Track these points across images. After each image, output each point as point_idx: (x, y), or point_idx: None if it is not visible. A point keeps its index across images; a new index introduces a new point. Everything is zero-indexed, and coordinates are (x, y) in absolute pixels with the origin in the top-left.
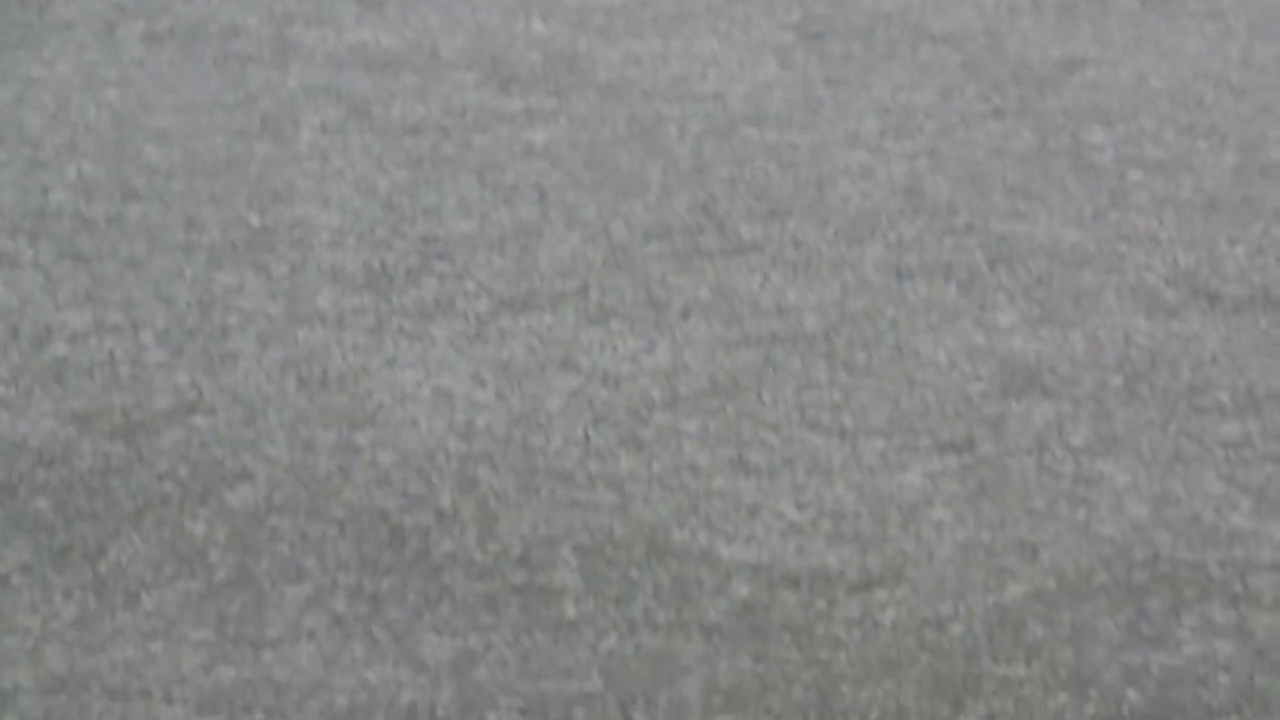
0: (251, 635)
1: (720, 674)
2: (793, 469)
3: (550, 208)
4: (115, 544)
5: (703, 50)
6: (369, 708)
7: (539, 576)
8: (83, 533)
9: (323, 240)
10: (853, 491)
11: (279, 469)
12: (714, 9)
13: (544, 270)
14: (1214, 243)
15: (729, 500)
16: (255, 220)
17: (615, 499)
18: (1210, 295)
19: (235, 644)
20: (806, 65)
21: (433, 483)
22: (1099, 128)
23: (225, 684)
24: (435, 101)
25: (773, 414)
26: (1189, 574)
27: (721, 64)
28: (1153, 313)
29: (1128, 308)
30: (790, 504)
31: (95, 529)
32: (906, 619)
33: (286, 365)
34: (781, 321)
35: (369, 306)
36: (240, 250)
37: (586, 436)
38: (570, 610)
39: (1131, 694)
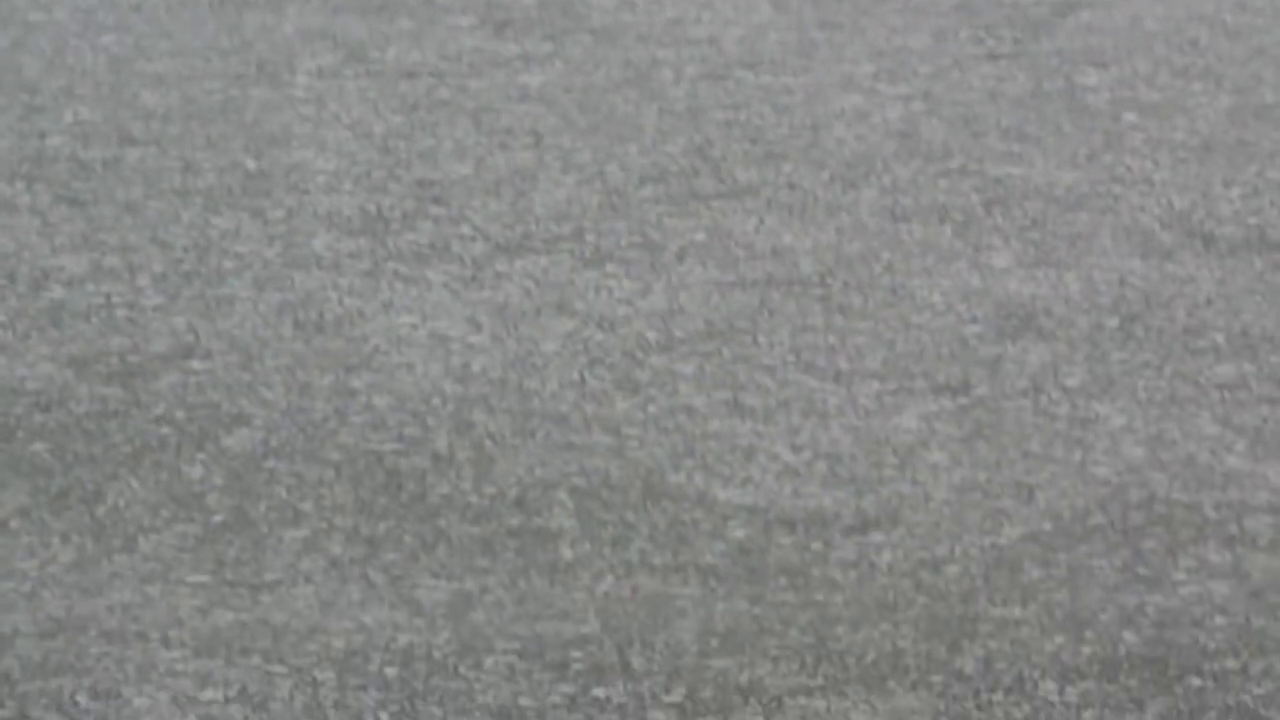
0: (249, 578)
1: (716, 616)
2: (788, 412)
3: (545, 151)
4: (112, 488)
5: None
6: (366, 650)
7: (535, 519)
8: (80, 476)
9: (318, 184)
10: (848, 434)
11: (275, 412)
12: None
13: (539, 214)
14: (1209, 185)
15: (725, 443)
16: (251, 165)
17: (611, 442)
18: (1205, 237)
19: (232, 587)
20: (801, 9)
21: (429, 426)
22: (1094, 70)
23: (223, 627)
24: (431, 46)
25: (768, 357)
26: (1185, 515)
27: (716, 8)
28: (1148, 254)
29: (1123, 250)
30: (786, 446)
31: (92, 473)
32: (902, 561)
33: (283, 309)
34: (777, 264)
35: (365, 250)
36: (236, 194)
37: (582, 379)
38: (566, 553)
39: (1128, 635)
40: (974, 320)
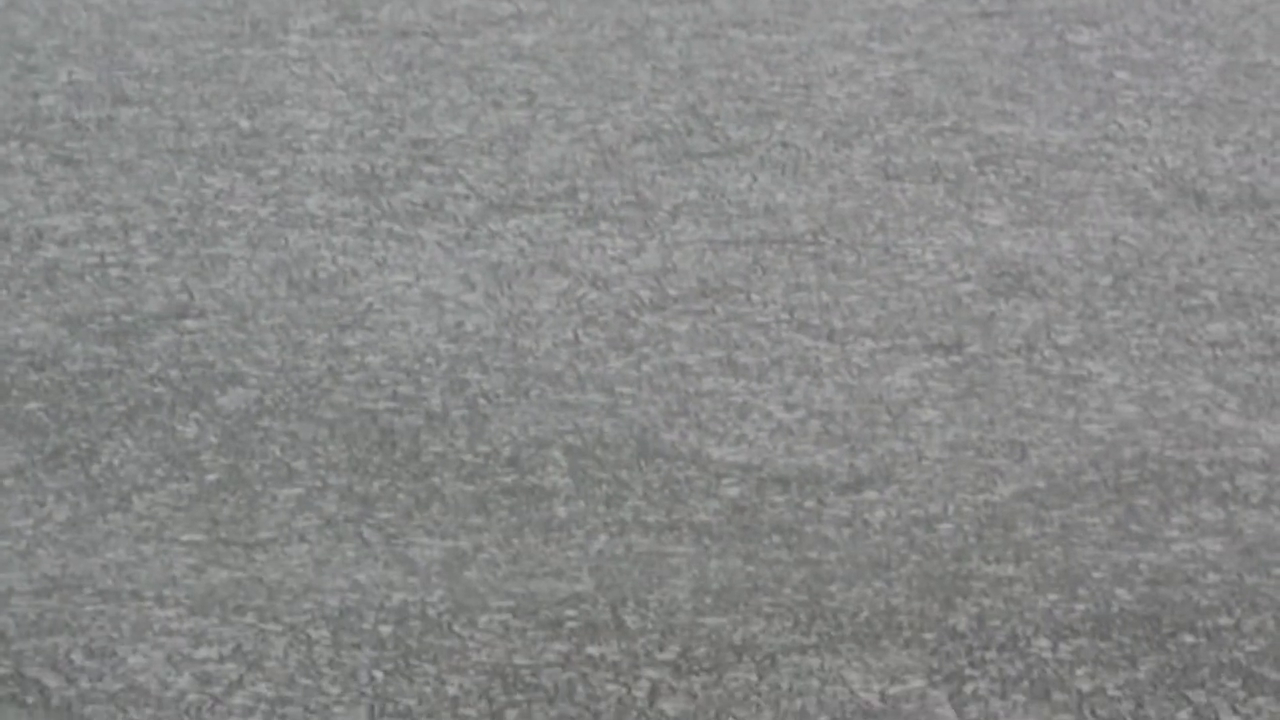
0: (243, 537)
1: (710, 574)
2: (782, 370)
3: (539, 110)
4: (107, 446)
5: None
6: (360, 608)
7: (529, 478)
8: (75, 435)
9: (312, 144)
10: (842, 392)
11: (270, 371)
12: None
13: (533, 172)
14: (1201, 143)
15: (718, 401)
16: (245, 124)
17: (605, 400)
18: (1197, 195)
19: (227, 545)
20: None
21: (423, 384)
22: (1086, 29)
23: (217, 585)
24: (424, 5)
25: (762, 315)
26: (1177, 473)
27: None
28: (1140, 212)
29: (1115, 208)
30: (779, 405)
31: (87, 432)
32: (896, 519)
33: (277, 268)
34: (770, 223)
35: (358, 209)
36: (230, 154)
37: (576, 338)
38: (560, 511)
39: (1121, 592)
40: (967, 278)
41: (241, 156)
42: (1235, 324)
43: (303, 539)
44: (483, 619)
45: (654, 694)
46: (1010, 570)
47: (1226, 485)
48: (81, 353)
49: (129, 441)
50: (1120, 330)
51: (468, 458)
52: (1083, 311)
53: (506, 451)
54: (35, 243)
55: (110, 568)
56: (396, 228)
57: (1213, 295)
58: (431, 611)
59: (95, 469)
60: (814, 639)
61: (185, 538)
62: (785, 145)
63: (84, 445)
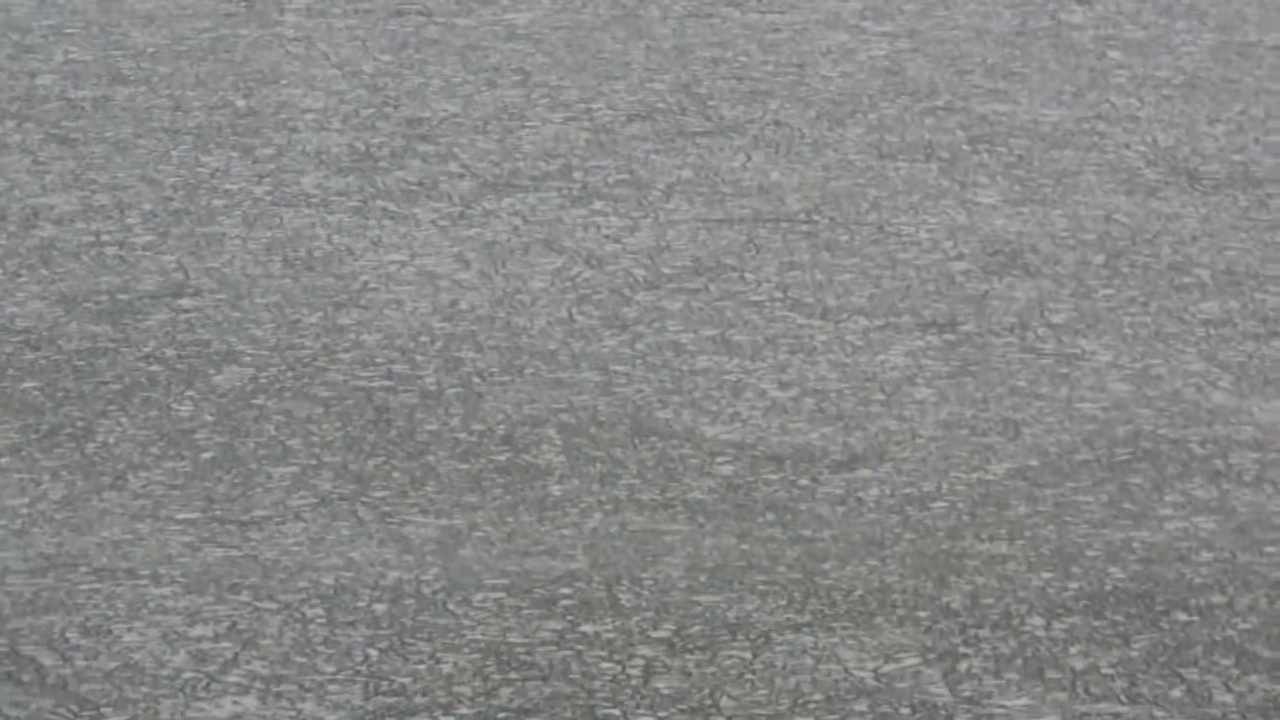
0: (238, 515)
1: (704, 552)
2: (776, 348)
3: (533, 89)
4: (102, 425)
5: None
6: (355, 586)
7: (523, 456)
8: (70, 414)
9: (307, 122)
10: (836, 370)
11: (265, 350)
12: None
13: (527, 151)
14: (1193, 122)
15: (713, 379)
16: (240, 103)
17: (599, 378)
18: (1190, 174)
19: (222, 524)
20: None
21: (417, 363)
22: (1078, 7)
23: (212, 563)
24: None
25: (755, 294)
26: (1170, 451)
27: None
28: (1133, 191)
29: (1108, 186)
30: (773, 383)
31: (82, 410)
32: (890, 497)
33: (272, 247)
34: (764, 201)
35: (353, 188)
36: (226, 133)
37: (570, 316)
38: (555, 489)
39: (1114, 570)
40: (960, 257)
41: (237, 135)
42: (1228, 302)
43: (298, 517)
44: (477, 597)
45: (648, 672)
46: (1004, 548)
47: (1219, 463)
48: (77, 331)
49: (124, 420)
50: (1113, 309)
51: (462, 436)
52: (1076, 290)
53: (501, 430)
54: (31, 221)
55: (106, 546)
56: (391, 206)
57: (1205, 274)
58: (426, 589)
59: (91, 447)
60: (808, 617)
61: (180, 516)
62: (779, 124)
63: (79, 424)
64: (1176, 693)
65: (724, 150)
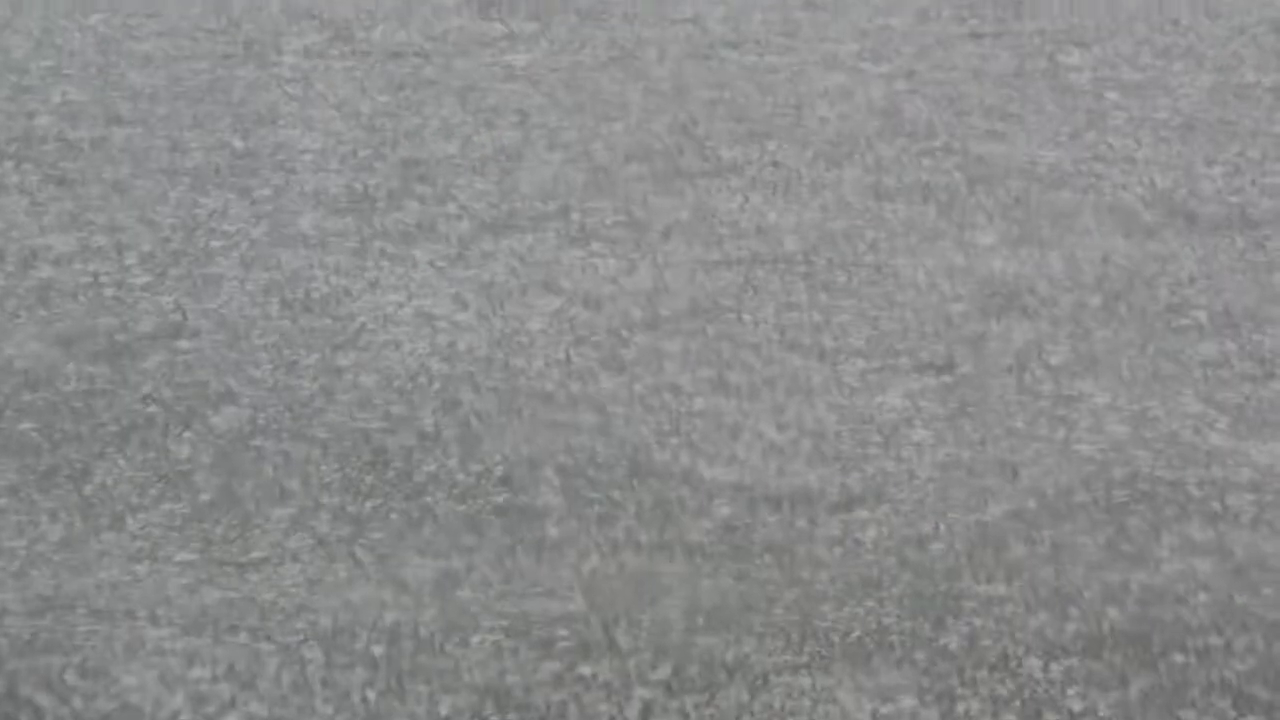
0: (236, 556)
1: (702, 593)
2: (773, 389)
3: (531, 130)
4: (101, 466)
5: None
6: (353, 628)
7: (521, 497)
8: (68, 455)
9: (305, 163)
10: (833, 412)
11: (263, 391)
12: None
13: (525, 192)
14: (1191, 163)
15: (710, 421)
16: (239, 144)
17: (597, 419)
18: (1187, 215)
19: (220, 565)
20: None
21: (415, 404)
22: (1076, 49)
23: (210, 605)
24: (417, 25)
25: (753, 335)
26: (1168, 493)
27: None
28: (1130, 233)
29: (1106, 228)
30: (771, 424)
31: (80, 451)
32: (887, 538)
33: (270, 288)
34: (761, 242)
35: (351, 229)
36: (224, 174)
37: (568, 357)
38: (552, 531)
39: (1111, 612)
40: (958, 298)
41: (235, 176)
42: (1225, 344)
43: (295, 559)
44: (475, 638)
45: (646, 713)
46: (1001, 590)
47: (1217, 505)
48: (75, 372)
49: (122, 461)
50: (1111, 350)
51: (460, 477)
52: (1073, 331)
53: (499, 471)
54: (30, 262)
55: (104, 587)
56: (389, 247)
57: (1203, 315)
58: (424, 631)
59: (89, 488)
60: (806, 658)
61: (178, 557)
62: (776, 165)
63: (78, 465)
64: None
65: (722, 191)
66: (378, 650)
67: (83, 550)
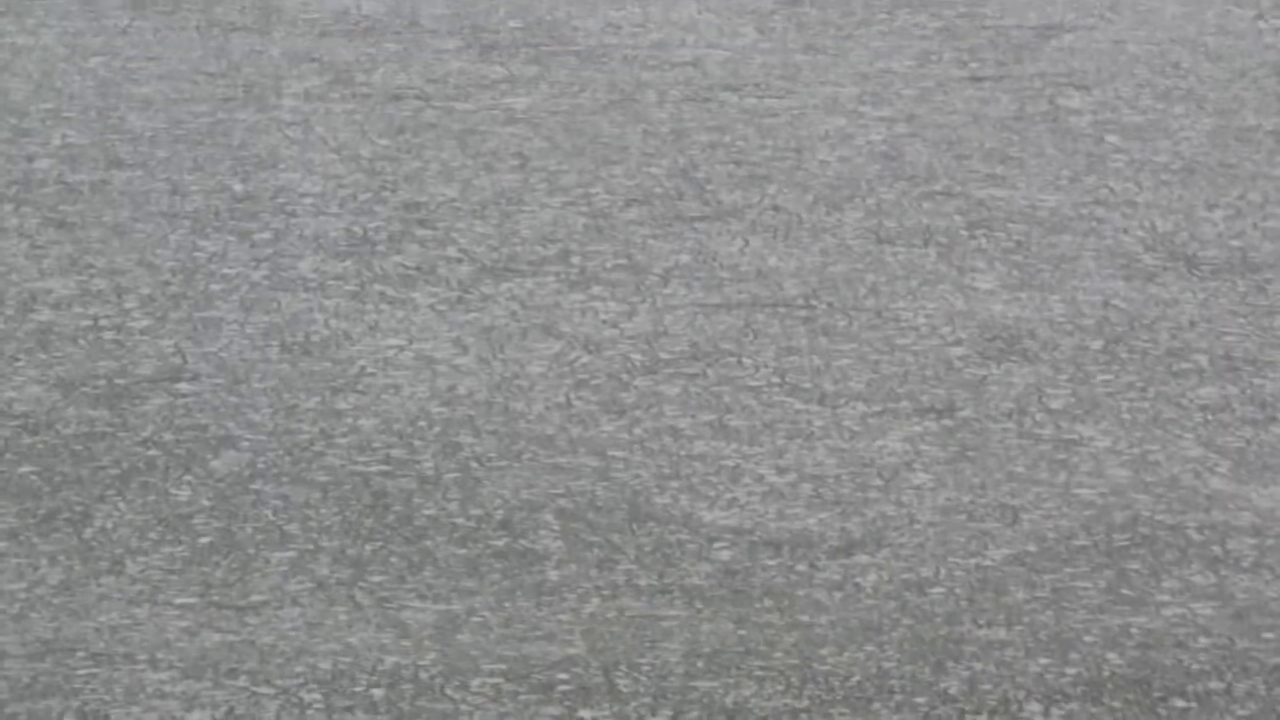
0: (236, 600)
1: (702, 638)
2: (773, 433)
3: (531, 174)
4: (100, 510)
5: (682, 17)
6: (353, 672)
7: (521, 541)
8: (68, 498)
9: (305, 207)
10: (833, 456)
11: (262, 434)
12: None
13: (525, 236)
14: (1191, 207)
15: (710, 465)
16: (238, 187)
17: (597, 463)
18: (1188, 259)
19: (220, 609)
20: (785, 31)
21: (415, 448)
22: (1076, 93)
23: (210, 648)
24: (417, 69)
25: (753, 379)
26: (1168, 537)
27: (701, 30)
28: (1131, 277)
29: (1106, 272)
30: (771, 468)
31: (80, 495)
32: (887, 583)
33: (270, 331)
34: (761, 286)
35: (351, 272)
36: (223, 217)
37: (568, 401)
38: (552, 574)
39: (1112, 657)
40: (958, 342)
41: (235, 220)
42: (1226, 388)
43: (295, 602)
44: (475, 682)
45: None
46: (1002, 634)
47: (1217, 549)
48: (75, 416)
49: (122, 505)
50: (1111, 394)
51: (460, 521)
52: (1074, 375)
53: (499, 515)
54: (29, 306)
55: (103, 631)
56: (389, 291)
57: (1204, 359)
58: (424, 675)
59: (88, 532)
60: (805, 702)
61: (178, 601)
62: (776, 209)
63: (77, 508)
64: None
65: (722, 235)
66: (377, 694)
67: (82, 594)
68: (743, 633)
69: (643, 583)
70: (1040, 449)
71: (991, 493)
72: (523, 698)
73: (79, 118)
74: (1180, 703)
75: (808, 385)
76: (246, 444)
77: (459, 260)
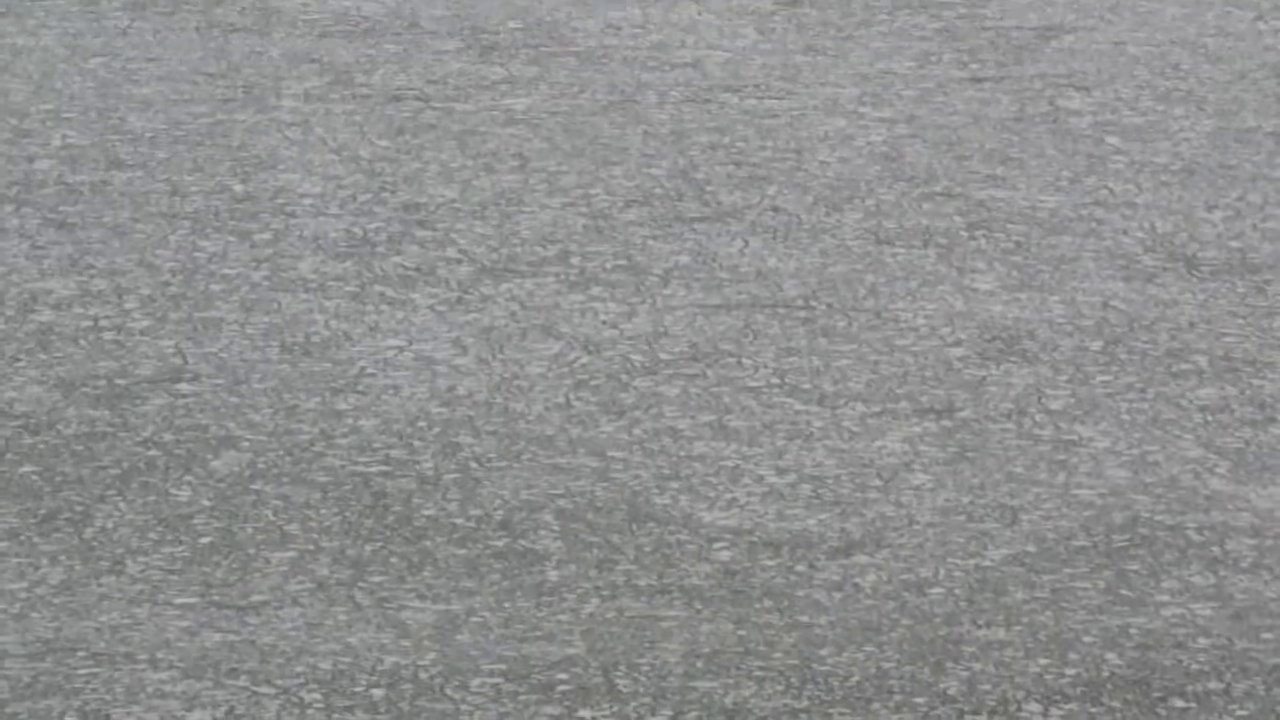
0: (236, 600)
1: (702, 638)
2: (773, 434)
3: (531, 175)
4: (101, 510)
5: (681, 18)
6: (352, 671)
7: (521, 541)
8: (68, 498)
9: (305, 208)
10: (833, 456)
11: (263, 435)
12: None
13: (525, 237)
14: (1191, 208)
15: (710, 465)
16: (238, 188)
17: (596, 464)
18: (1188, 260)
19: (220, 609)
20: (785, 33)
21: (415, 448)
22: (1076, 94)
23: (210, 648)
24: (416, 70)
25: (753, 379)
26: (1168, 537)
27: (700, 31)
28: (1131, 278)
29: (1106, 273)
30: (771, 469)
31: (81, 495)
32: (886, 583)
33: (270, 332)
34: (761, 287)
35: (351, 273)
36: (223, 218)
37: (568, 402)
38: (552, 574)
39: (1111, 657)
40: (958, 343)
41: (235, 220)
42: (1225, 389)
43: (295, 602)
44: (475, 682)
45: None
46: (1001, 634)
47: (1216, 550)
48: (75, 416)
49: (122, 505)
50: (1111, 395)
51: (460, 521)
52: (1073, 376)
53: (498, 515)
54: (29, 306)
55: (104, 631)
56: (389, 292)
57: (1203, 360)
58: (424, 675)
59: (89, 532)
60: (805, 703)
61: (178, 601)
62: (776, 210)
63: (78, 509)
64: None
65: (721, 236)
66: (377, 694)
67: (83, 593)
68: (742, 633)
69: (642, 583)
70: (1040, 450)
71: (991, 493)
72: (522, 698)
73: (79, 118)
74: (1179, 703)
75: (807, 386)
76: (247, 444)
77: (459, 261)
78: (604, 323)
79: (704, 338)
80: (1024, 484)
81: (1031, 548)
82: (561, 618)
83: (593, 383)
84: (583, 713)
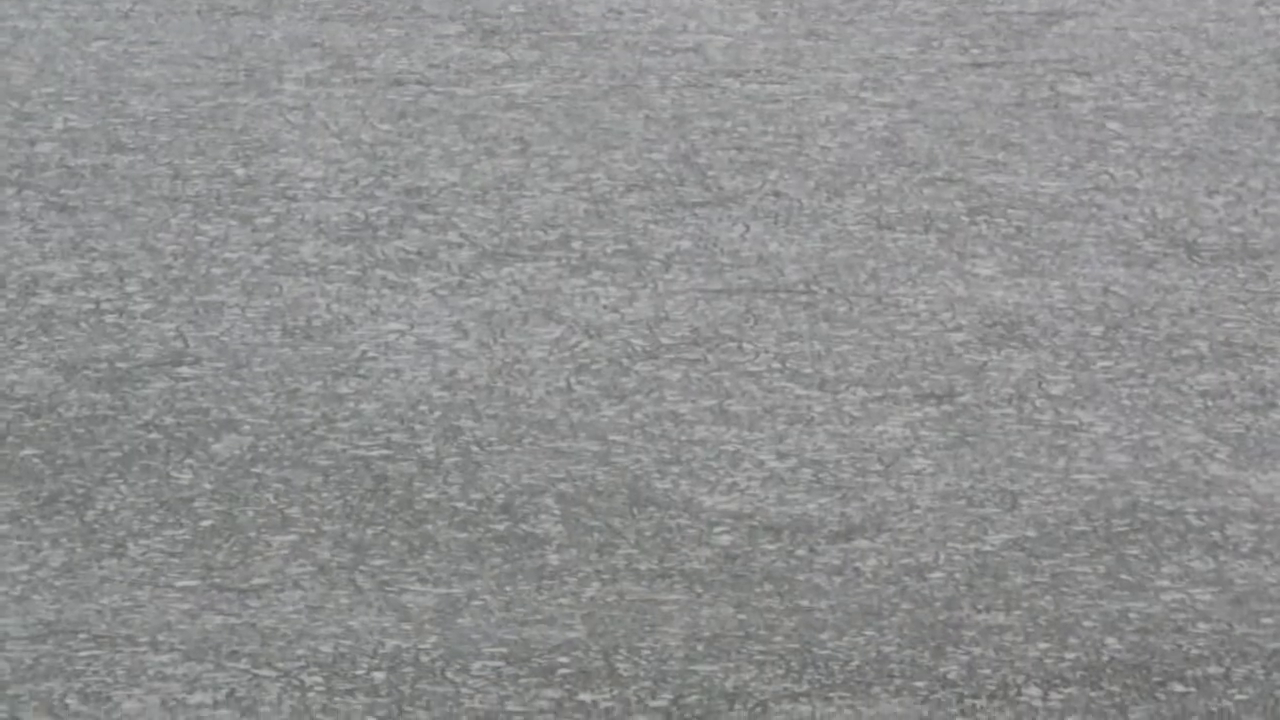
0: (237, 583)
1: (702, 622)
2: (774, 418)
3: (532, 159)
4: (102, 492)
5: (683, 2)
6: (353, 655)
7: (522, 525)
8: (70, 481)
9: (307, 191)
10: (833, 441)
11: (264, 418)
12: None
13: (526, 221)
14: (1192, 194)
15: (711, 449)
16: (240, 171)
17: (597, 448)
18: (1188, 246)
19: (221, 591)
20: (786, 18)
21: (416, 432)
22: (1078, 79)
23: (211, 631)
24: (418, 53)
25: (754, 364)
26: (1168, 522)
27: (702, 16)
28: (1131, 263)
29: (1106, 258)
30: (771, 453)
31: (82, 478)
32: (887, 567)
33: (271, 315)
34: (762, 272)
35: (353, 257)
36: (225, 201)
37: (569, 386)
38: (553, 558)
39: (1111, 641)
40: (958, 328)
41: (236, 204)
42: (1226, 374)
43: (296, 585)
44: (475, 665)
45: None
46: (1001, 619)
47: (1216, 535)
48: (77, 399)
49: (124, 488)
50: (1111, 380)
51: (461, 505)
52: (1074, 361)
53: (499, 499)
54: (31, 289)
55: (105, 613)
56: (390, 275)
57: (1204, 345)
58: (425, 658)
59: (90, 515)
60: (805, 687)
61: (180, 583)
62: (778, 195)
63: (79, 491)
64: None
65: (723, 220)
66: (379, 677)
67: (84, 576)
68: (743, 617)
69: (643, 567)
70: (1040, 434)
71: (991, 478)
72: (523, 681)
73: (81, 102)
74: (1179, 687)
75: (808, 370)
76: (248, 427)
77: (460, 245)
78: (605, 307)
79: (705, 322)
80: (1024, 469)
81: (1032, 532)
82: (562, 601)
83: (594, 367)
84: (583, 696)
